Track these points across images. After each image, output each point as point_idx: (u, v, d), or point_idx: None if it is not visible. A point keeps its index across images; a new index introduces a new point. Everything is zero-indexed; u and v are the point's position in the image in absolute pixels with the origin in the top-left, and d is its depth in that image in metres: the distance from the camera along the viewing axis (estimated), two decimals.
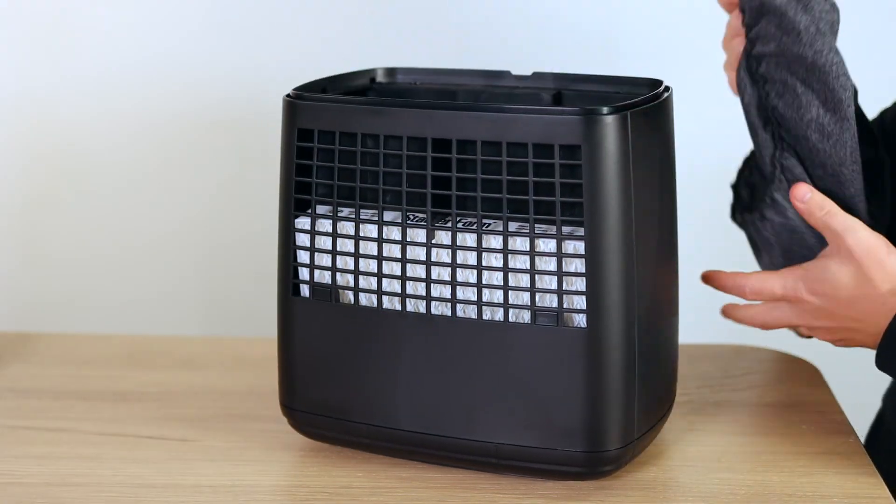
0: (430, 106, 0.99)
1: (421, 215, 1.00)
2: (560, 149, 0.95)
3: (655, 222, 1.00)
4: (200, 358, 1.29)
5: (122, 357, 1.28)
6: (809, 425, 1.12)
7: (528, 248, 0.97)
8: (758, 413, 1.16)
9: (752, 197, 1.11)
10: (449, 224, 0.99)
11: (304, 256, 1.04)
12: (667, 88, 1.03)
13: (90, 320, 1.74)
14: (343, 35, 1.68)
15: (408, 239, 1.00)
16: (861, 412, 1.26)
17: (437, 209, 0.99)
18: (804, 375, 1.24)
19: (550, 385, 0.97)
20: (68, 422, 1.13)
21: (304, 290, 1.04)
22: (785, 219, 1.07)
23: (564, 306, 0.97)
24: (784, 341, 1.29)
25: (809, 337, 1.13)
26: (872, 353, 1.06)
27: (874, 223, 1.07)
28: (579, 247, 0.96)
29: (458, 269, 0.99)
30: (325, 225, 1.02)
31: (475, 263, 0.98)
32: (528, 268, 0.97)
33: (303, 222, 1.03)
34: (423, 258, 0.99)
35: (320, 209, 1.03)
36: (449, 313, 0.99)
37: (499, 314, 0.99)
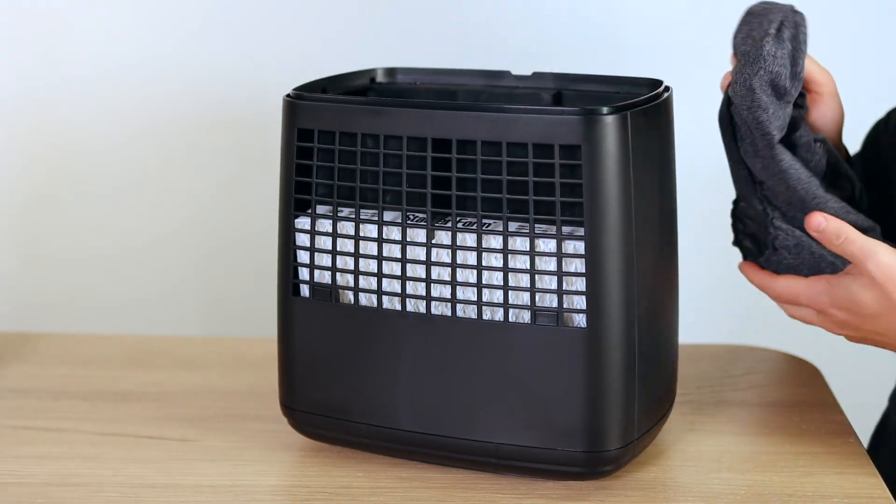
0: (430, 106, 0.99)
1: (421, 215, 1.00)
2: (560, 149, 0.95)
3: (655, 222, 1.00)
4: (200, 358, 1.29)
5: (122, 357, 1.28)
6: (809, 425, 1.12)
7: (528, 248, 0.97)
8: (758, 413, 1.16)
9: (758, 243, 1.10)
10: (449, 224, 0.99)
11: (304, 256, 1.04)
12: (667, 88, 1.03)
13: (90, 320, 1.74)
14: (343, 35, 1.68)
15: (408, 239, 1.00)
16: (862, 412, 1.26)
17: (437, 209, 0.99)
18: (804, 375, 1.24)
19: (550, 385, 0.97)
20: (68, 422, 1.13)
21: (304, 290, 1.04)
22: (797, 239, 1.06)
23: (564, 306, 0.97)
24: (784, 341, 1.29)
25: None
26: (873, 353, 1.06)
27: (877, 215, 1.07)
28: (579, 247, 0.96)
29: (458, 269, 0.99)
30: (325, 225, 1.02)
31: (475, 263, 0.98)
32: (528, 268, 0.97)
33: (303, 222, 1.03)
34: (423, 258, 0.99)
35: (320, 209, 1.03)
36: (449, 313, 0.99)
37: (499, 314, 0.99)
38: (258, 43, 1.69)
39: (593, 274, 0.95)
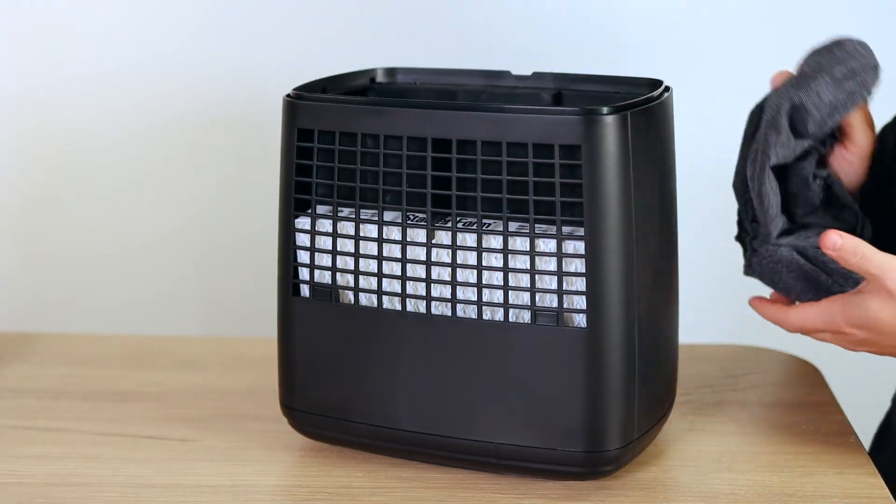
0: (430, 106, 0.99)
1: (421, 215, 1.00)
2: (560, 149, 0.95)
3: (655, 222, 1.00)
4: (200, 358, 1.29)
5: (122, 357, 1.28)
6: (809, 425, 1.12)
7: (528, 248, 0.97)
8: (758, 413, 1.16)
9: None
10: (449, 224, 0.99)
11: (304, 256, 1.04)
12: (667, 88, 1.03)
13: (90, 320, 1.74)
14: (343, 35, 1.68)
15: (408, 239, 1.00)
16: (862, 413, 1.26)
17: (437, 209, 0.99)
18: (804, 375, 1.24)
19: (550, 385, 0.97)
20: (68, 422, 1.13)
21: (304, 290, 1.04)
22: (772, 253, 1.06)
23: (564, 306, 0.97)
24: (784, 341, 1.29)
25: None
26: (874, 354, 1.05)
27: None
28: (579, 247, 0.96)
29: (458, 269, 0.99)
30: (325, 225, 1.02)
31: (475, 263, 0.98)
32: (528, 268, 0.97)
33: (303, 222, 1.03)
34: (423, 258, 0.99)
35: (320, 209, 1.03)
36: (449, 313, 0.99)
37: (499, 314, 0.99)
38: (258, 43, 1.69)
39: (593, 274, 0.95)
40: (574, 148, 0.95)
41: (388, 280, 1.01)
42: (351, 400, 1.03)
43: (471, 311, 0.99)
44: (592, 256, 0.95)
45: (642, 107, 0.97)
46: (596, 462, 0.99)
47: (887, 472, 1.05)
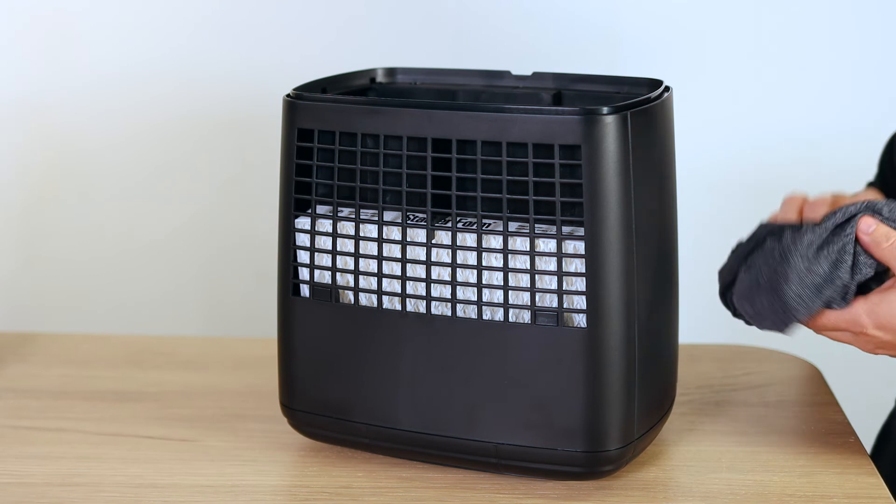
0: (430, 106, 0.99)
1: (421, 215, 1.00)
2: (560, 149, 0.95)
3: (655, 222, 1.00)
4: (200, 358, 1.29)
5: (122, 357, 1.28)
6: (809, 425, 1.12)
7: (528, 248, 0.97)
8: (758, 413, 1.16)
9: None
10: (449, 224, 0.99)
11: (304, 256, 1.04)
12: (667, 88, 1.03)
13: (90, 320, 1.74)
14: (343, 35, 1.68)
15: (408, 239, 1.00)
16: (862, 413, 1.26)
17: (437, 209, 0.99)
18: (805, 376, 1.24)
19: (550, 385, 0.97)
20: (68, 422, 1.13)
21: (305, 290, 1.04)
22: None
23: (564, 306, 0.97)
24: (784, 341, 1.29)
25: None
26: (873, 355, 1.05)
27: None
28: (579, 247, 0.96)
29: (458, 269, 0.99)
30: (325, 225, 1.02)
31: (475, 263, 0.98)
32: (528, 268, 0.97)
33: (303, 222, 1.03)
34: (423, 258, 0.99)
35: (320, 209, 1.03)
36: (449, 313, 0.99)
37: (499, 314, 0.99)
38: (259, 43, 1.69)
39: (593, 274, 0.95)
40: (574, 148, 0.95)
41: (388, 280, 1.01)
42: (351, 400, 1.03)
43: (471, 311, 0.99)
44: (592, 256, 0.95)
45: (642, 107, 0.97)
46: (596, 462, 0.99)
47: (888, 474, 1.05)
